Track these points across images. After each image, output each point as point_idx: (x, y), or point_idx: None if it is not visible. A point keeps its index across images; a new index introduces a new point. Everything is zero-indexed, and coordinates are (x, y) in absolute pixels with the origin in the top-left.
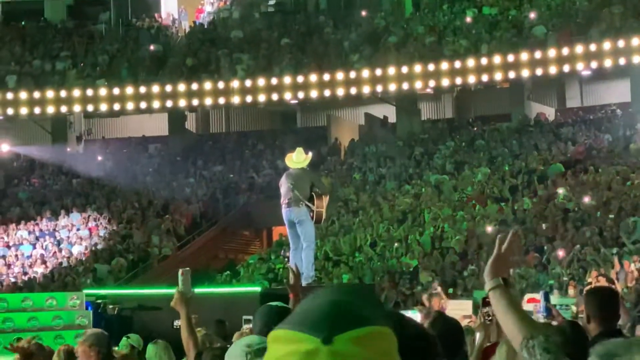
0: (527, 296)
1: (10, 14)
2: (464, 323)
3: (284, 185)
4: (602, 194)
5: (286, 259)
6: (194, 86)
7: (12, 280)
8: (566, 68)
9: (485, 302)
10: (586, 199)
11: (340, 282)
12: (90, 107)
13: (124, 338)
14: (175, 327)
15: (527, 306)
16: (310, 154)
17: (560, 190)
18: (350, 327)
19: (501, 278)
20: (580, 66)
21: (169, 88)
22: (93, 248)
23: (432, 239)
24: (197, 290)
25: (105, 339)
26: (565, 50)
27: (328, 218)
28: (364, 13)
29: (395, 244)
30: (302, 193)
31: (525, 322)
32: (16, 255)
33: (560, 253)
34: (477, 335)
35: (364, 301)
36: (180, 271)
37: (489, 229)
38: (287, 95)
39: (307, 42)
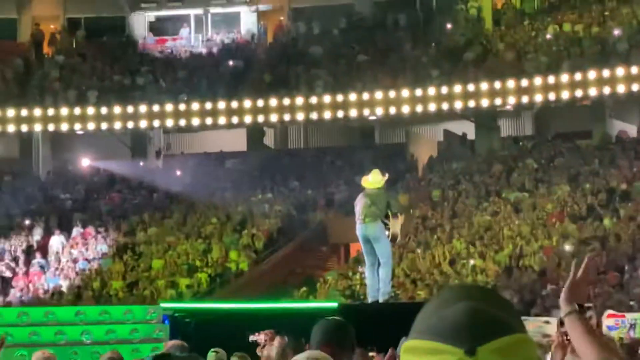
0: (608, 312)
1: (92, 29)
2: (543, 342)
3: (359, 203)
4: None
5: (363, 275)
6: (273, 102)
7: (91, 293)
8: None
9: (563, 322)
10: None
11: (467, 284)
12: (169, 122)
13: (212, 352)
14: (250, 341)
15: (607, 321)
16: (386, 175)
17: None
18: (493, 337)
19: (577, 304)
20: None
21: (247, 103)
22: (171, 262)
23: (510, 257)
24: (276, 305)
25: (185, 351)
26: None
27: (404, 237)
28: (442, 29)
29: (472, 262)
30: (380, 209)
31: (601, 347)
32: (96, 270)
33: None
34: (556, 355)
35: (500, 306)
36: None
37: (568, 247)
38: (366, 112)
39: (386, 57)
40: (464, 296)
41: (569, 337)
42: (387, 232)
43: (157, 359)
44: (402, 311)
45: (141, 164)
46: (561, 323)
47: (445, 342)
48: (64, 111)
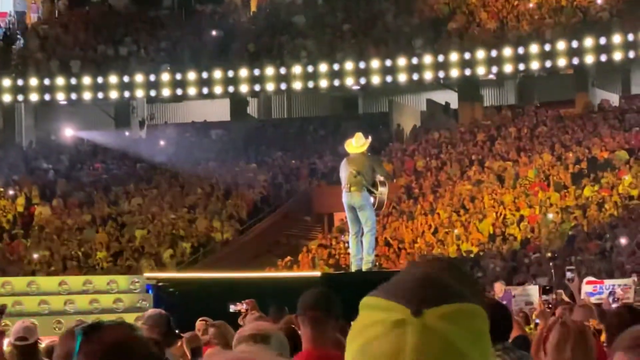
0: (587, 279)
1: None
2: (525, 310)
3: (345, 170)
4: None
5: (346, 244)
6: (256, 72)
7: (75, 263)
8: (631, 54)
9: (545, 290)
10: None
11: (436, 256)
12: (153, 92)
13: (200, 321)
14: (231, 311)
15: (585, 287)
16: (369, 138)
17: (626, 177)
18: (442, 302)
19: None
20: None
21: (231, 73)
22: (155, 232)
23: (494, 225)
24: (259, 275)
25: (164, 319)
26: (630, 36)
27: (388, 206)
28: None
29: (456, 231)
30: (366, 178)
31: None
32: (79, 239)
33: (623, 241)
34: (540, 322)
35: (458, 276)
36: None
37: (551, 215)
38: (349, 81)
39: (369, 27)
40: (427, 265)
41: (550, 306)
42: (372, 200)
43: (86, 331)
44: (385, 280)
45: (125, 134)
46: (543, 291)
47: (395, 300)
48: (47, 81)
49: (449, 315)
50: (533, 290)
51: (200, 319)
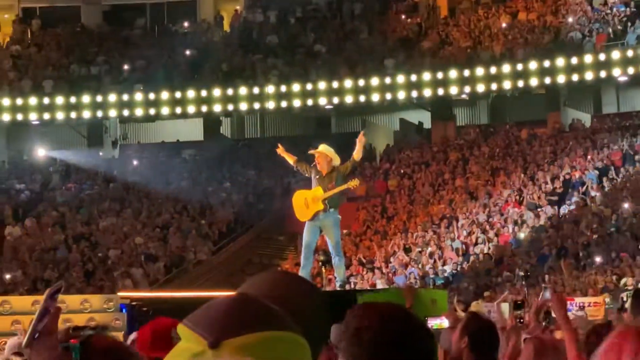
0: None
1: (47, 19)
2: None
3: None
4: (639, 200)
5: (320, 264)
6: (229, 91)
7: (47, 283)
8: (603, 74)
9: (517, 305)
10: (624, 205)
11: (266, 273)
12: (125, 112)
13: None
14: None
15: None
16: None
17: (597, 196)
18: (242, 332)
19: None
20: (616, 72)
21: (204, 93)
22: (129, 251)
23: (466, 244)
24: (232, 294)
25: None
26: (601, 56)
27: (361, 225)
28: (399, 18)
29: (429, 249)
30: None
31: None
32: (52, 260)
33: (597, 259)
34: (510, 337)
35: (278, 298)
36: None
37: (524, 235)
38: (322, 101)
39: (342, 47)
40: (245, 287)
41: (522, 320)
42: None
43: (82, 342)
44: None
45: (98, 154)
46: (515, 306)
47: (197, 331)
48: (19, 101)
49: (246, 347)
50: (504, 307)
51: None
